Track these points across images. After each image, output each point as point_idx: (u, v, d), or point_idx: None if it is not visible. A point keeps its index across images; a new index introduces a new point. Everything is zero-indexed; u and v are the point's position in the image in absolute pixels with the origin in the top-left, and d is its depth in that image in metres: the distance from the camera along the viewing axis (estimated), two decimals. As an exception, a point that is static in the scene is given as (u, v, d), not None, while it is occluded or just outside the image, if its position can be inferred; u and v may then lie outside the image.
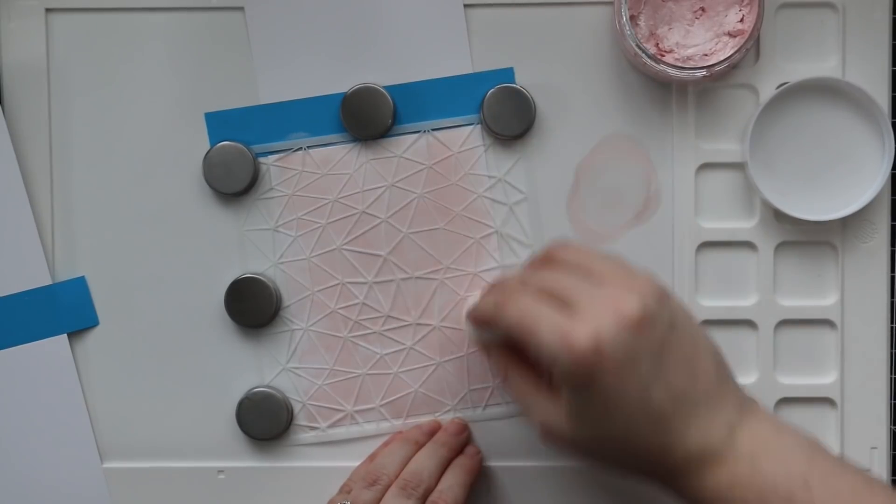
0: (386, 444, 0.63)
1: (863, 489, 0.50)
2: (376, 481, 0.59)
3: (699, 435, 0.51)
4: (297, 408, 0.64)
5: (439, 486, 0.59)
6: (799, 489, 0.50)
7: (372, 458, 0.63)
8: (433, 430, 0.62)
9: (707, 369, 0.52)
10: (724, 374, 0.53)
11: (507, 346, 0.56)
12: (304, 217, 0.63)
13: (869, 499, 0.50)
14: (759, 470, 0.50)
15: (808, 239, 0.63)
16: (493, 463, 0.64)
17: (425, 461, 0.60)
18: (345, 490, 0.60)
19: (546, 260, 0.55)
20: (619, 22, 0.59)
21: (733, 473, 0.50)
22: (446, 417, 0.64)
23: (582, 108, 0.63)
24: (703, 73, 0.58)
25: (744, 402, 0.53)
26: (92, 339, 0.64)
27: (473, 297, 0.61)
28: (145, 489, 0.64)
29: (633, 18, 0.59)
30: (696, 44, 0.60)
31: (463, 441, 0.62)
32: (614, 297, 0.50)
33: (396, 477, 0.59)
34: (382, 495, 0.58)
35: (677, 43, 0.60)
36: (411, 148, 0.63)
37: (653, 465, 0.52)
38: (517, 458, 0.64)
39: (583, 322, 0.49)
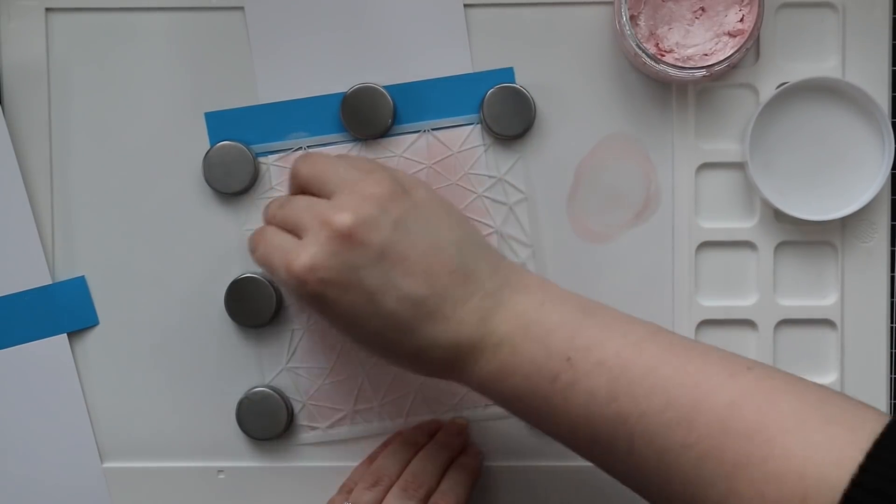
0: (386, 445, 0.63)
1: (629, 350, 0.49)
2: (378, 482, 0.59)
3: (450, 330, 0.50)
4: (297, 408, 0.64)
5: (441, 487, 0.59)
6: (562, 367, 0.49)
7: (371, 458, 0.63)
8: (433, 430, 0.62)
9: (446, 263, 0.51)
10: (472, 264, 0.52)
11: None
12: (304, 217, 0.63)
13: (635, 358, 0.49)
14: (520, 352, 0.50)
15: (808, 239, 0.63)
16: (493, 463, 0.64)
17: (426, 462, 0.60)
18: (345, 490, 0.60)
19: (292, 178, 0.56)
20: (619, 22, 0.59)
21: (499, 360, 0.50)
22: (446, 417, 0.64)
23: (582, 108, 0.63)
24: (703, 73, 0.58)
25: (506, 281, 0.52)
26: (92, 339, 0.64)
27: None
28: (145, 489, 0.64)
29: (633, 18, 0.59)
30: (696, 44, 0.60)
31: (463, 441, 0.62)
32: (328, 214, 0.50)
33: (398, 478, 0.59)
34: (384, 496, 0.58)
35: (677, 43, 0.60)
36: (411, 148, 0.63)
37: (420, 365, 0.52)
38: (517, 458, 0.64)
39: (302, 247, 0.50)
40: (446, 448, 0.61)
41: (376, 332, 0.51)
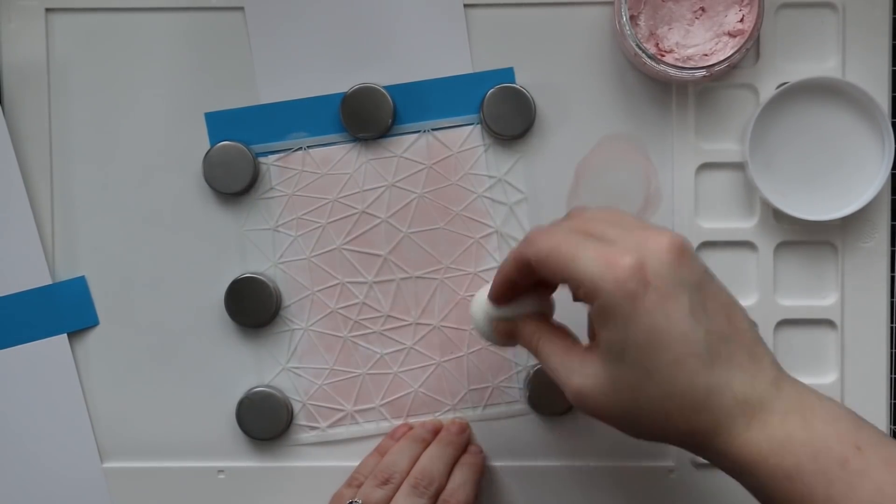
0: (392, 437, 0.63)
1: None
2: (388, 480, 0.59)
3: (745, 381, 0.48)
4: (297, 408, 0.64)
5: (449, 485, 0.60)
6: (852, 453, 0.47)
7: (380, 451, 0.63)
8: (437, 429, 0.63)
9: (743, 323, 0.50)
10: (756, 335, 0.50)
11: (532, 317, 0.54)
12: (304, 217, 0.63)
13: None
14: (813, 428, 0.48)
15: (808, 239, 0.63)
16: (493, 463, 0.64)
17: (434, 460, 0.60)
18: (353, 484, 0.60)
19: (570, 215, 0.53)
20: (619, 22, 0.59)
21: (786, 430, 0.48)
22: (446, 417, 0.64)
23: (582, 108, 0.63)
24: (703, 73, 0.58)
25: (779, 365, 0.50)
26: (92, 339, 0.64)
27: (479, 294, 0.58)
28: (145, 489, 0.64)
29: (633, 18, 0.59)
30: (696, 44, 0.60)
31: (465, 440, 0.63)
32: (650, 233, 0.48)
33: (407, 475, 0.59)
34: (394, 494, 0.58)
35: (677, 43, 0.60)
36: (411, 148, 0.63)
37: (696, 415, 0.48)
38: (517, 458, 0.64)
39: (625, 249, 0.48)
40: (451, 446, 0.61)
41: (675, 359, 0.47)
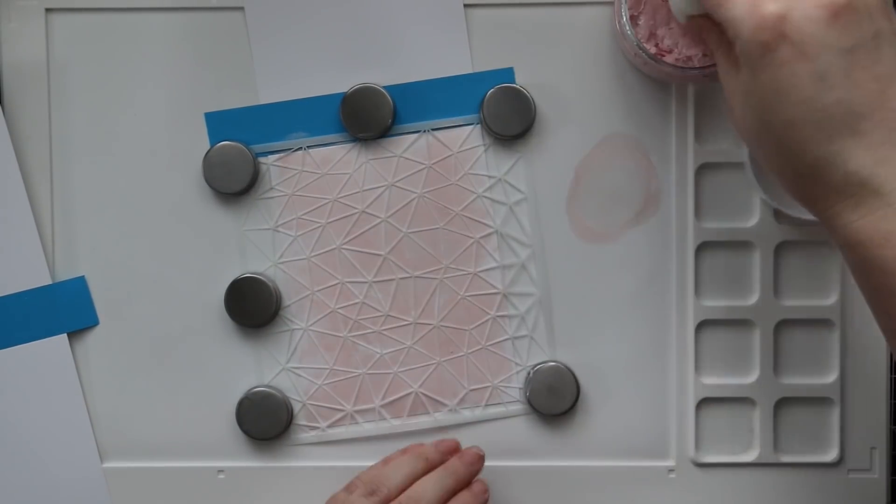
0: (404, 452, 0.62)
1: None
2: (375, 492, 0.58)
3: (868, 161, 0.46)
4: (297, 408, 0.64)
5: None
6: None
7: (387, 461, 0.61)
8: (450, 450, 0.61)
9: (889, 102, 0.46)
10: None
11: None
12: (303, 217, 0.63)
13: None
14: None
15: (808, 239, 0.63)
16: (493, 463, 0.63)
17: (428, 487, 0.58)
18: (351, 489, 0.60)
19: None
20: (619, 22, 0.59)
21: (893, 223, 0.46)
22: (447, 417, 0.64)
23: (582, 108, 0.63)
24: (703, 73, 0.58)
25: None
26: (92, 339, 0.64)
27: None
28: (145, 489, 0.64)
29: (633, 18, 0.59)
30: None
31: (474, 472, 0.61)
32: None
33: (399, 492, 0.58)
34: None
35: (677, 43, 0.60)
36: (411, 148, 0.63)
37: (808, 180, 0.47)
38: (517, 458, 0.64)
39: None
40: (453, 477, 0.59)
41: (790, 121, 0.46)
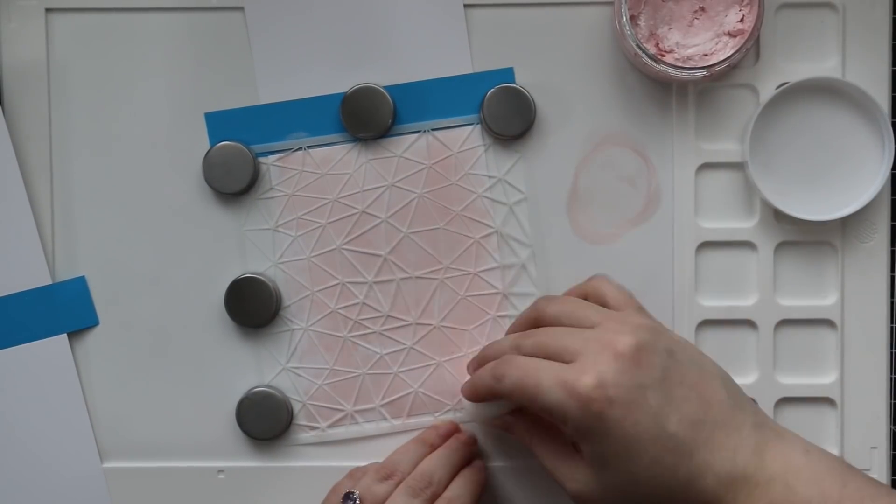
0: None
1: None
2: (390, 476, 0.59)
3: (726, 458, 0.51)
4: (297, 408, 0.64)
5: (447, 494, 0.59)
6: None
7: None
8: (449, 432, 0.62)
9: (716, 393, 0.52)
10: (736, 398, 0.53)
11: (526, 416, 0.58)
12: (304, 217, 0.63)
13: None
14: (795, 493, 0.50)
15: (808, 239, 0.63)
16: (493, 463, 0.64)
17: (437, 464, 0.60)
18: (355, 476, 0.60)
19: (534, 317, 0.57)
20: (619, 22, 0.59)
21: (769, 499, 0.50)
22: (447, 417, 0.64)
23: (582, 108, 0.63)
24: (703, 73, 0.58)
25: (763, 424, 0.52)
26: (92, 339, 0.64)
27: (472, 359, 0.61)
28: (145, 489, 0.64)
29: (633, 18, 0.59)
30: (696, 44, 0.60)
31: (473, 452, 0.62)
32: (607, 338, 0.51)
33: (409, 475, 0.59)
34: (394, 490, 0.58)
35: (677, 43, 0.60)
36: (411, 148, 0.63)
37: (687, 497, 0.51)
38: (517, 458, 0.64)
39: (582, 368, 0.50)
40: (458, 454, 0.61)
41: (653, 459, 0.50)
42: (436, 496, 0.58)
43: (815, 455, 0.52)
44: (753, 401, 0.56)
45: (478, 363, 0.59)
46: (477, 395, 0.58)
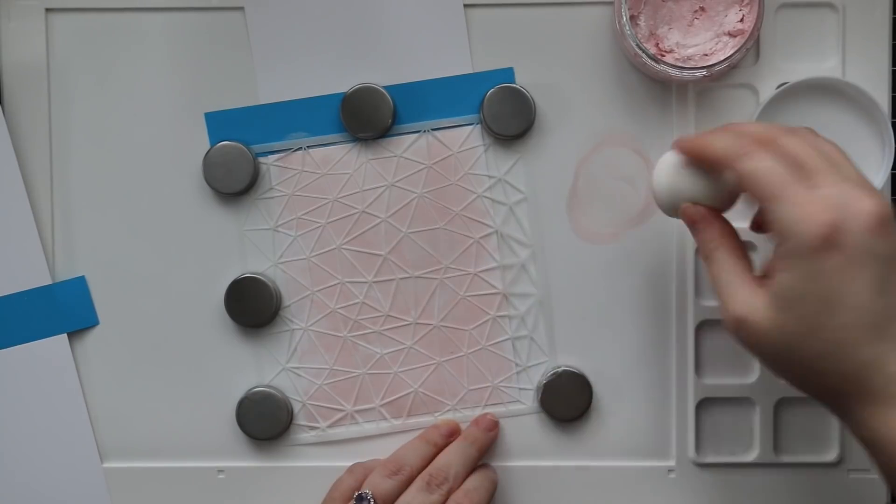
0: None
1: None
2: (398, 471, 0.59)
3: None
4: (297, 408, 0.64)
5: (466, 486, 0.59)
6: None
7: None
8: (451, 432, 0.62)
9: None
10: None
11: (719, 221, 0.54)
12: (303, 217, 0.63)
13: None
14: None
15: (808, 239, 0.63)
16: (493, 463, 0.63)
17: (454, 458, 0.60)
18: (355, 471, 0.60)
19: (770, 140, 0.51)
20: (619, 22, 0.59)
21: None
22: (446, 418, 0.64)
23: (582, 108, 0.63)
24: (703, 73, 0.58)
25: None
26: (92, 339, 0.64)
27: (668, 157, 0.55)
28: (145, 489, 0.64)
29: (633, 18, 0.59)
30: (696, 44, 0.60)
31: (492, 438, 0.62)
32: (857, 192, 0.48)
33: (419, 471, 0.59)
34: (404, 487, 0.58)
35: (677, 43, 0.60)
36: (411, 148, 0.63)
37: (847, 381, 0.48)
38: (516, 459, 0.64)
39: (826, 201, 0.47)
40: (475, 446, 0.61)
41: (844, 325, 0.48)
42: (451, 492, 0.58)
43: None
44: None
45: (719, 133, 0.53)
46: (710, 156, 0.52)
